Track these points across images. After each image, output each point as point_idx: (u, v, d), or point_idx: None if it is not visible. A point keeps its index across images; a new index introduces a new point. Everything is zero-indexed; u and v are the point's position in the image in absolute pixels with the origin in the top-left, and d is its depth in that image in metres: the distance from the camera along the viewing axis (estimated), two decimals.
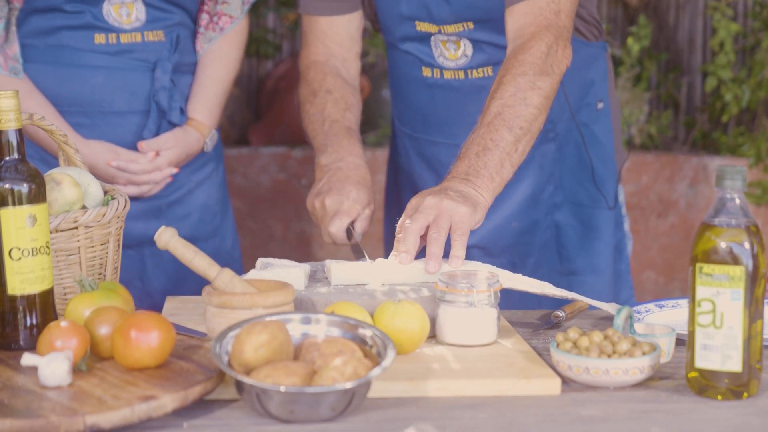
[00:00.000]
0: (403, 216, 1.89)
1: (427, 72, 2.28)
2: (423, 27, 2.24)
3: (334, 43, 2.34)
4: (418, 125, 2.37)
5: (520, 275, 1.90)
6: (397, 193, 2.51)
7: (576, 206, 2.36)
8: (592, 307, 2.06)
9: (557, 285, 2.25)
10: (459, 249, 1.83)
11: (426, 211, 1.85)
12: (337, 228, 2.07)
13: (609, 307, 1.90)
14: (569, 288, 2.28)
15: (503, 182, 1.97)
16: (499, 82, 2.03)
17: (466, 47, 2.22)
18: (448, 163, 2.32)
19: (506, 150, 1.96)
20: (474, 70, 2.25)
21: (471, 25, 2.20)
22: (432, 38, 2.25)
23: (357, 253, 2.03)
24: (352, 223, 2.09)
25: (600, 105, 2.36)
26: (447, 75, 2.27)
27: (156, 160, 2.35)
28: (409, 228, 1.84)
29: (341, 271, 1.85)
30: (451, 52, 2.24)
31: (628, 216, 2.50)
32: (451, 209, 1.85)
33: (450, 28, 2.22)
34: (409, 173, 2.44)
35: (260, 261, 1.88)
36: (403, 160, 2.45)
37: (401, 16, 2.26)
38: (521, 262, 2.35)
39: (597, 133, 2.37)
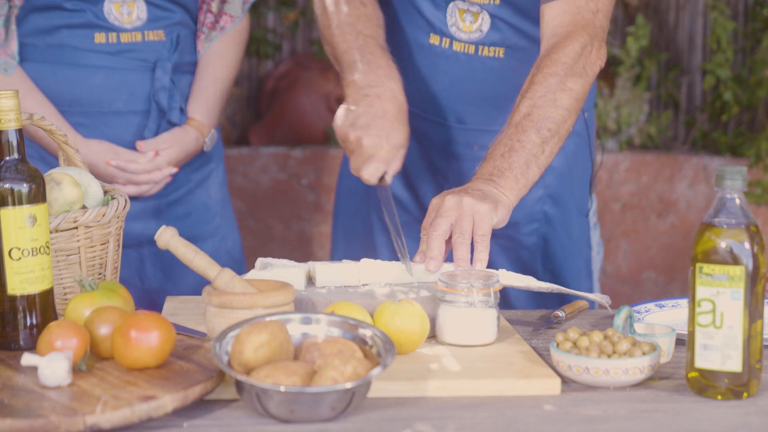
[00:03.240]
0: (426, 218, 1.89)
1: (434, 39, 2.19)
2: None
3: None
4: (409, 96, 2.20)
5: (503, 270, 1.89)
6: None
7: (566, 217, 2.32)
8: (592, 307, 2.06)
9: (539, 295, 2.23)
10: (482, 252, 1.82)
11: (447, 213, 1.85)
12: (370, 174, 1.95)
13: (595, 297, 1.90)
14: (551, 299, 2.23)
15: (529, 184, 1.95)
16: (530, 82, 1.99)
17: (484, 22, 2.15)
18: (437, 140, 2.27)
19: (533, 152, 1.93)
20: (486, 48, 2.18)
21: (497, 0, 2.14)
22: (451, 4, 2.16)
23: (384, 198, 1.98)
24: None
25: (586, 115, 2.35)
26: (456, 47, 2.19)
27: (155, 160, 2.35)
28: (433, 235, 1.84)
29: (326, 273, 1.85)
30: (467, 23, 2.16)
31: (599, 223, 2.45)
32: (471, 207, 1.84)
33: None
34: None
35: (260, 261, 1.88)
36: None
37: None
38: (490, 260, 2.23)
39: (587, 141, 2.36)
